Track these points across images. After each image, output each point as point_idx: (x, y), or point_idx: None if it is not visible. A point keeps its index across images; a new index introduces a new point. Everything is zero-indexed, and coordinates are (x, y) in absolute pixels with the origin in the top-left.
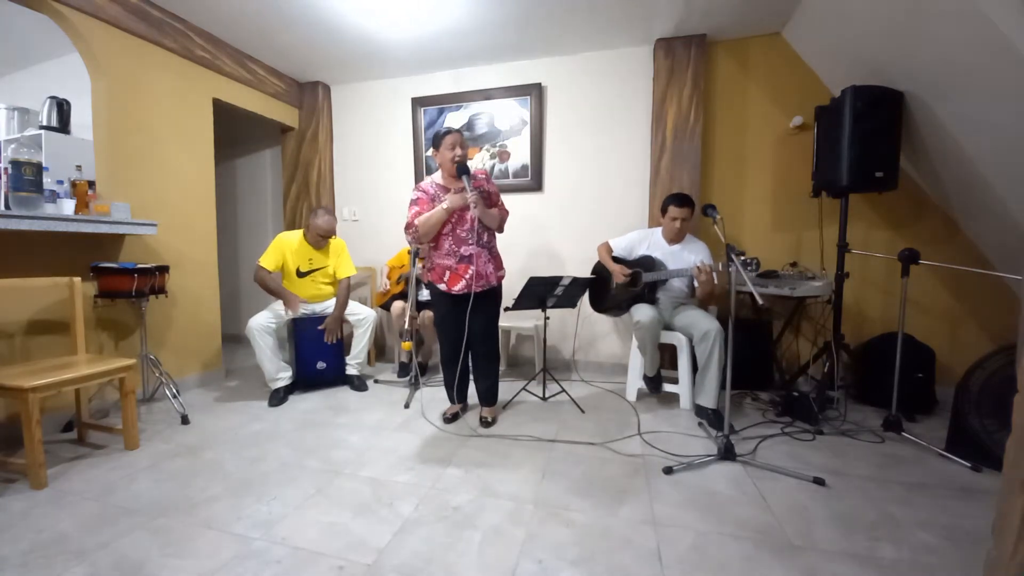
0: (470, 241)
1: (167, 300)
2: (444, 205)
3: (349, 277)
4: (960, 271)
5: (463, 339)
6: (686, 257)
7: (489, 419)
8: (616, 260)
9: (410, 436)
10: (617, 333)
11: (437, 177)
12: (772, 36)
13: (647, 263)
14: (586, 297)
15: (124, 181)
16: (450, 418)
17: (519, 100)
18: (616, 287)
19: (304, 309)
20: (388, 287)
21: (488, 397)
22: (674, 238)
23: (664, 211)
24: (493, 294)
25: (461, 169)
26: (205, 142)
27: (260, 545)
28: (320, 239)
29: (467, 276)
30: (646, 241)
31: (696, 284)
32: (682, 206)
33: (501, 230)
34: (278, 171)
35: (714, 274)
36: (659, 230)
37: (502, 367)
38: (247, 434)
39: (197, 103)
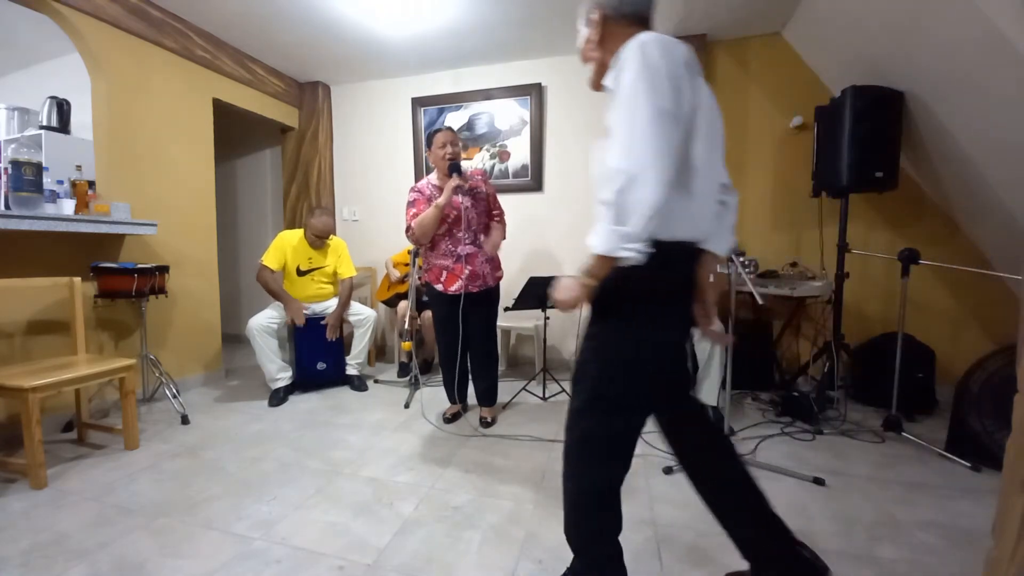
0: (467, 241)
1: (167, 300)
2: (439, 201)
3: (351, 278)
4: (960, 271)
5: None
6: None
7: (489, 419)
8: None
9: (410, 436)
10: None
11: (433, 178)
12: (772, 36)
13: None
14: None
15: (124, 181)
16: (450, 418)
17: (519, 100)
18: None
19: (304, 310)
20: (397, 275)
21: (487, 398)
22: None
23: None
24: (491, 295)
25: (453, 167)
26: (205, 142)
27: (260, 545)
28: (316, 239)
29: (463, 276)
30: None
31: None
32: None
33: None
34: (278, 171)
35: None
36: None
37: (502, 367)
38: (247, 434)
39: (197, 103)
